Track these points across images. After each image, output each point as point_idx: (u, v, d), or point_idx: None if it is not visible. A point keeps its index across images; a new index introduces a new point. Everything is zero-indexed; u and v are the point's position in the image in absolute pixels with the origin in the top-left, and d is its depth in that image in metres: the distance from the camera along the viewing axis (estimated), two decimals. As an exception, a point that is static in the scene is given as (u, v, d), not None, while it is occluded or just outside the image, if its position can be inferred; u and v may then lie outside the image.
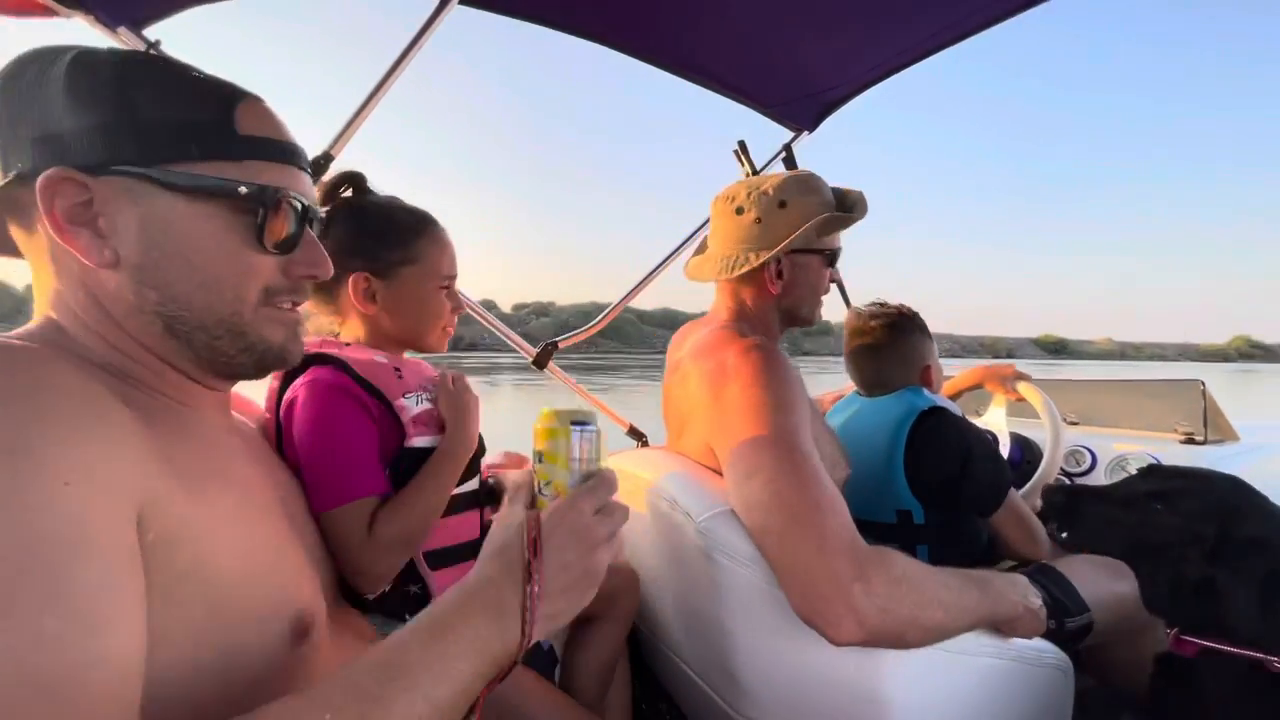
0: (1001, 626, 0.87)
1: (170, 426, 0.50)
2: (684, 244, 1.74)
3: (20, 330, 0.51)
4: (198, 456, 0.51)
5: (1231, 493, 0.87)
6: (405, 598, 0.85)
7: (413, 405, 0.86)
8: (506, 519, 0.55)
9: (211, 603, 0.46)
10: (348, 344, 0.90)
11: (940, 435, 1.14)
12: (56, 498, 0.36)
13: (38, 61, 0.49)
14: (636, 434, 1.72)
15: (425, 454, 0.85)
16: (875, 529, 1.08)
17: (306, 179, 0.59)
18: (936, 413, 1.16)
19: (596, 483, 0.56)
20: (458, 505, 0.90)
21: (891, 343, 1.31)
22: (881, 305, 1.39)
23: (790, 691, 0.88)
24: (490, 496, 0.99)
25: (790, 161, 1.81)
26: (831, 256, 1.11)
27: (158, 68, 0.53)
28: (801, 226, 1.02)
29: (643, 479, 1.05)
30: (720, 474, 1.00)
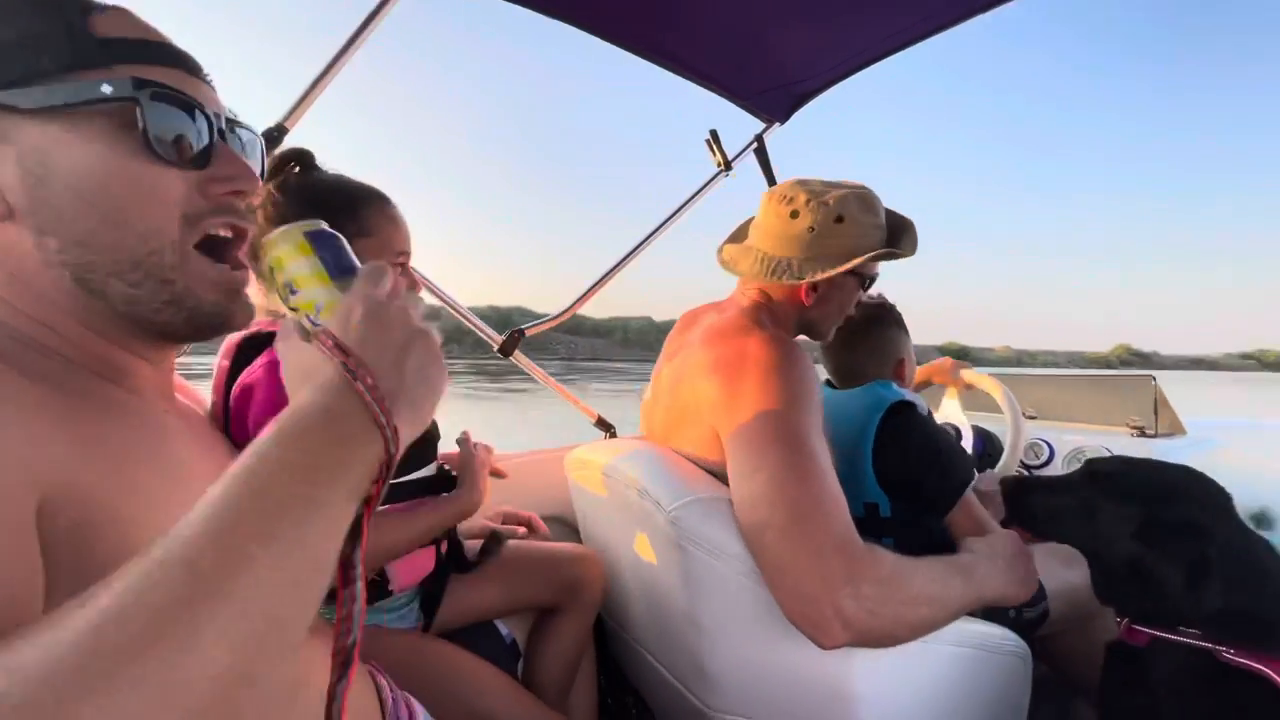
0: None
1: (95, 405, 0.45)
2: (650, 237, 1.72)
3: None
4: (125, 438, 0.46)
5: (1162, 477, 0.89)
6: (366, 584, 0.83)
7: None
8: (293, 361, 0.46)
9: None
10: None
11: (909, 430, 1.15)
12: None
13: None
14: (604, 425, 1.70)
15: None
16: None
17: (206, 88, 0.51)
18: (906, 407, 1.16)
19: (370, 269, 0.46)
20: (411, 492, 0.88)
21: (867, 334, 1.31)
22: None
23: (760, 683, 0.88)
24: (447, 483, 0.96)
25: (762, 153, 1.80)
26: (869, 282, 1.10)
27: None
28: (853, 249, 1.00)
29: (611, 469, 1.03)
30: (695, 463, 0.99)
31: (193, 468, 0.53)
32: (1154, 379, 1.60)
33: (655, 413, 1.15)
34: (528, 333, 1.54)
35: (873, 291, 1.37)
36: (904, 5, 1.35)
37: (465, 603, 1.01)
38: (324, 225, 0.50)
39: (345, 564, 0.37)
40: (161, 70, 0.48)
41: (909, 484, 1.13)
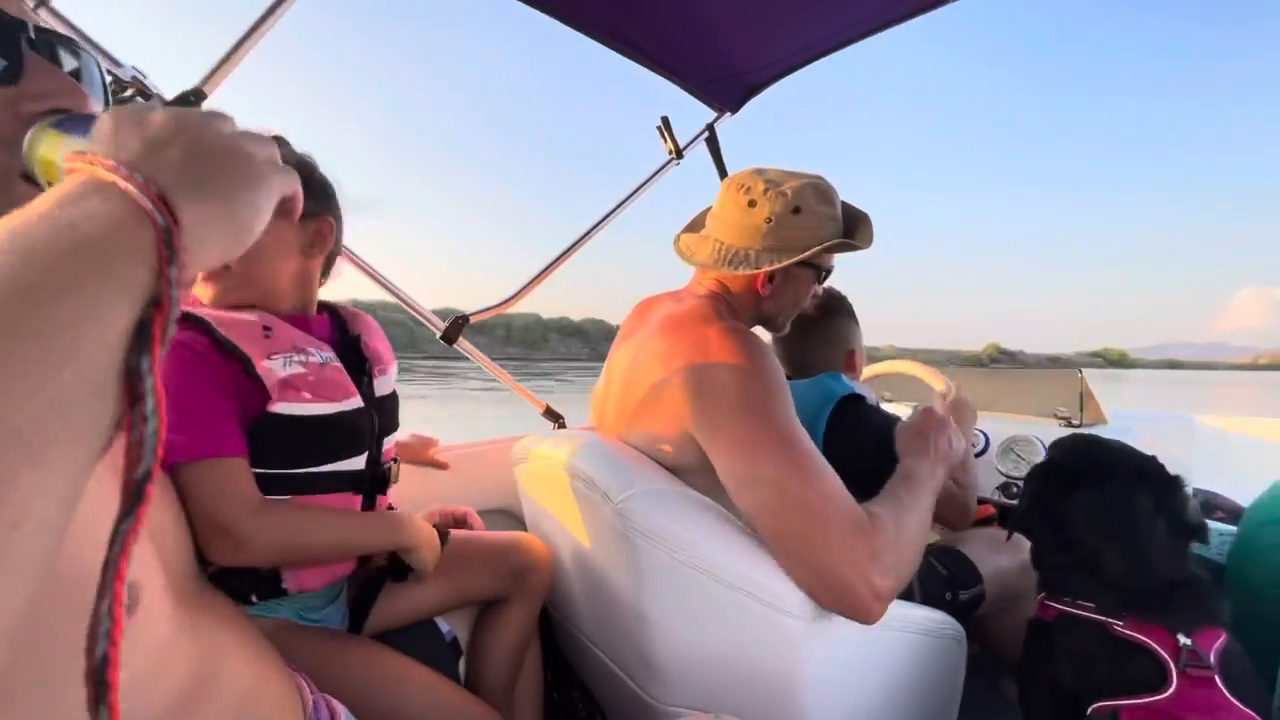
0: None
1: None
2: (600, 223, 1.69)
3: None
4: None
5: (1069, 450, 0.97)
6: (253, 576, 0.76)
7: (279, 368, 0.75)
8: None
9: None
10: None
11: (858, 423, 1.16)
12: None
13: None
14: (553, 415, 1.66)
15: (293, 422, 0.75)
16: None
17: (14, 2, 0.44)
18: (855, 400, 1.18)
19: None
20: (337, 484, 0.81)
21: (818, 324, 1.31)
22: None
23: (707, 674, 0.87)
24: (382, 483, 0.90)
25: (713, 142, 1.79)
26: (824, 274, 1.10)
27: None
28: (810, 240, 0.99)
29: (558, 459, 1.00)
30: (648, 454, 0.97)
31: None
32: (1080, 373, 1.68)
33: (607, 402, 1.12)
34: (472, 319, 1.49)
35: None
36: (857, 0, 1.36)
37: (406, 602, 0.96)
38: (77, 112, 0.43)
39: (130, 375, 0.29)
40: None
41: (861, 475, 1.15)
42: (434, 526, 1.04)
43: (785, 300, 1.08)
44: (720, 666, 0.85)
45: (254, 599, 0.77)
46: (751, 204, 1.01)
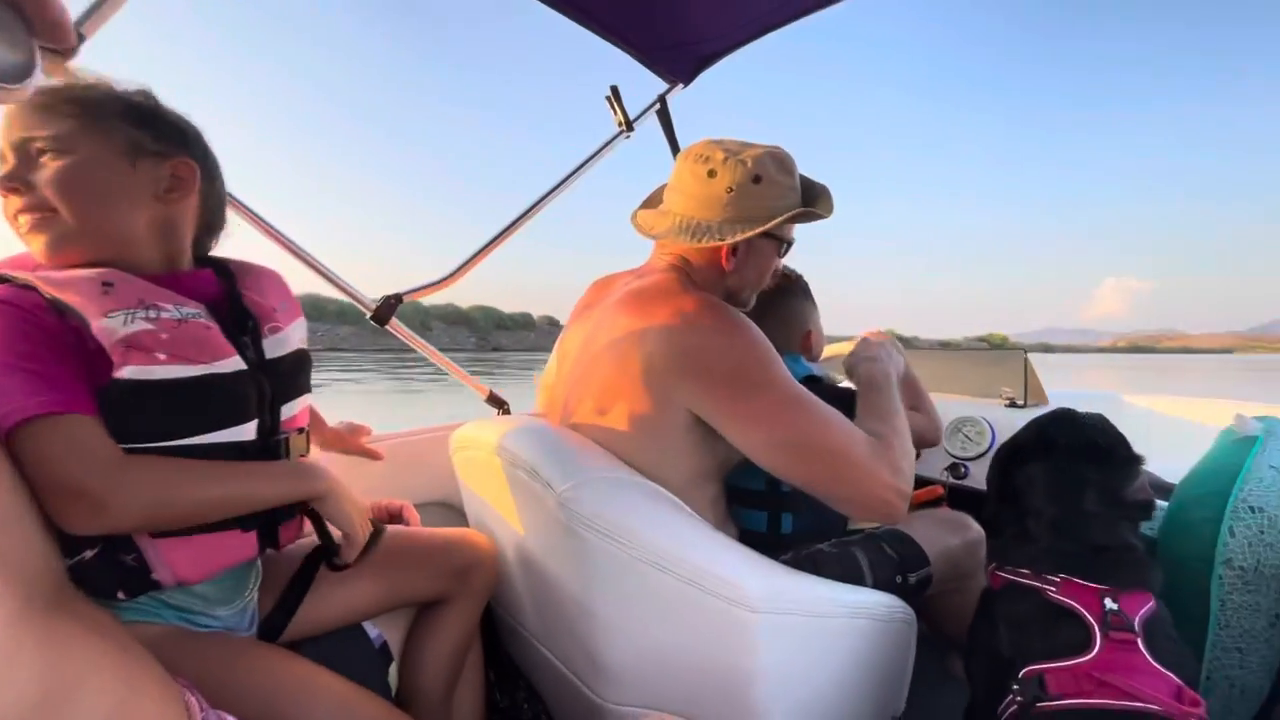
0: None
1: None
2: (545, 198, 1.61)
3: None
4: None
5: (1035, 426, 1.00)
6: (117, 568, 0.64)
7: (118, 325, 0.63)
8: None
9: None
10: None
11: None
12: None
13: None
14: (497, 401, 1.58)
15: (146, 388, 0.64)
16: (742, 494, 1.05)
17: None
18: (811, 381, 1.15)
19: None
20: (218, 456, 0.69)
21: (774, 305, 1.28)
22: None
23: (657, 671, 0.83)
24: (274, 454, 0.77)
25: (664, 114, 1.73)
26: (786, 247, 1.08)
27: None
28: (772, 210, 0.97)
29: (498, 447, 0.93)
30: (606, 437, 0.93)
31: None
32: (1024, 353, 1.72)
33: (558, 387, 1.06)
34: (405, 298, 1.38)
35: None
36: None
37: (334, 603, 0.87)
38: None
39: None
40: None
41: None
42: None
43: (749, 274, 1.05)
44: (670, 663, 0.81)
45: (121, 595, 0.65)
46: (711, 174, 0.97)
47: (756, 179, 0.96)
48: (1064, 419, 0.99)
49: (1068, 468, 0.90)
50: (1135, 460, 0.91)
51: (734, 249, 1.00)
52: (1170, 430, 1.86)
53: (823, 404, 0.87)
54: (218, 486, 0.67)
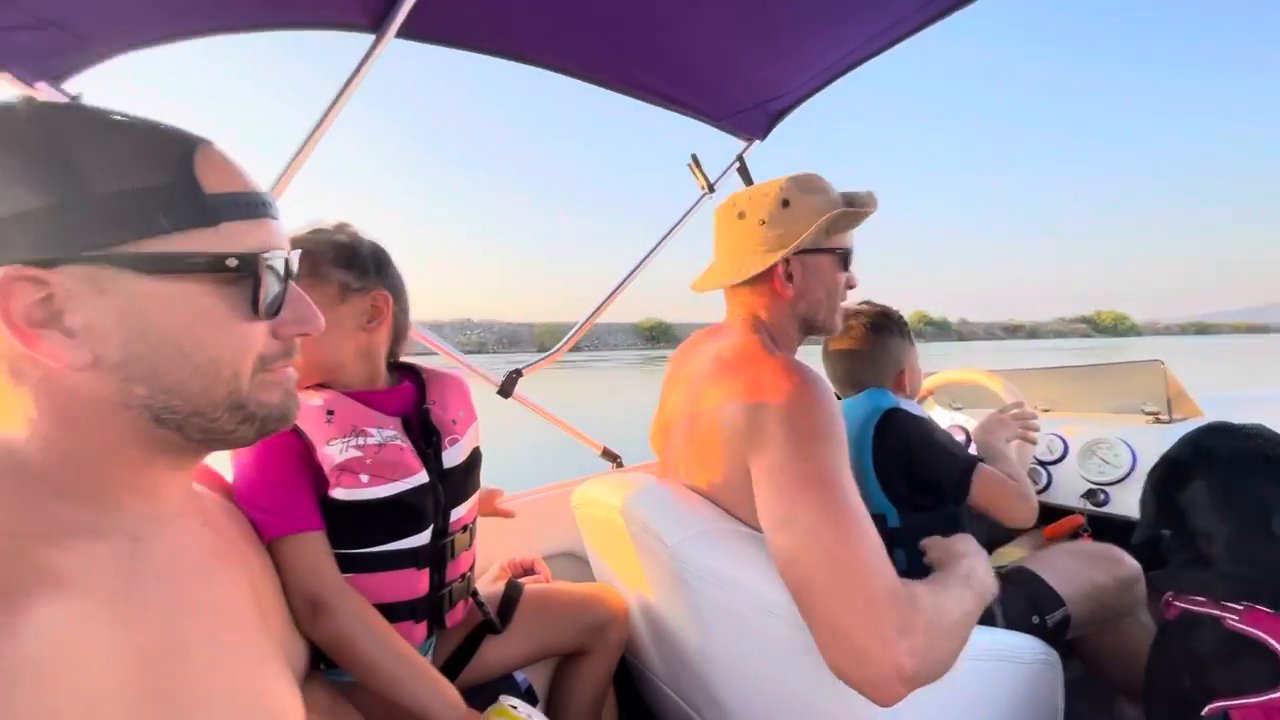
0: None
1: (126, 559, 0.45)
2: (637, 268, 1.73)
3: None
4: (159, 603, 0.45)
5: (1184, 443, 0.95)
6: (318, 650, 0.76)
7: (336, 453, 0.78)
8: None
9: None
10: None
11: (905, 433, 1.14)
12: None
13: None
14: (610, 455, 1.69)
15: (350, 507, 0.78)
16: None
17: (279, 227, 0.53)
18: (897, 413, 1.16)
19: None
20: (396, 562, 0.83)
21: (868, 344, 1.29)
22: (867, 304, 1.36)
23: (780, 715, 0.85)
24: (437, 554, 0.87)
25: (744, 172, 1.82)
26: (844, 256, 1.04)
27: (98, 123, 0.44)
28: (808, 225, 0.96)
29: (618, 506, 1.02)
30: (710, 497, 0.97)
31: (224, 601, 0.53)
32: (1162, 363, 1.57)
33: (667, 444, 1.12)
34: (525, 372, 1.54)
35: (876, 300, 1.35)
36: (870, 14, 1.37)
37: (490, 660, 0.98)
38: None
39: None
40: (256, 225, 0.49)
41: (913, 486, 1.12)
42: (508, 581, 1.07)
43: (814, 294, 1.02)
44: (793, 707, 0.84)
45: (322, 666, 0.80)
46: (741, 215, 1.02)
47: (785, 203, 0.99)
48: (1220, 430, 0.93)
49: (1237, 483, 0.85)
50: None
51: (788, 275, 1.01)
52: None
53: (862, 516, 0.75)
54: (393, 664, 0.76)
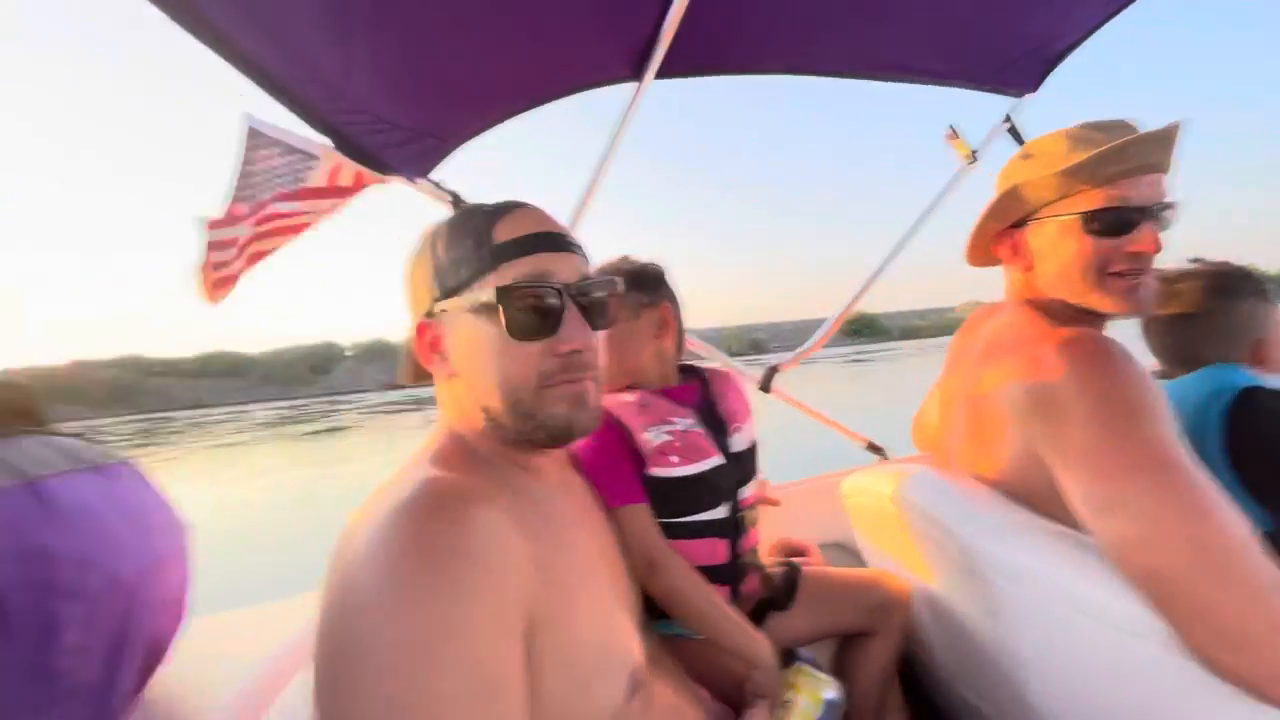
0: None
1: (527, 508, 0.62)
2: (897, 249, 1.66)
3: (438, 446, 0.66)
4: (548, 539, 0.61)
5: None
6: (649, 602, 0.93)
7: (653, 438, 0.95)
8: None
9: (574, 677, 0.57)
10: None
11: (1271, 413, 0.89)
12: (480, 647, 0.48)
13: (420, 240, 0.69)
14: (875, 449, 1.66)
15: (665, 482, 0.94)
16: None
17: (560, 258, 0.64)
18: (1259, 392, 0.91)
19: None
20: (704, 530, 0.97)
21: (1210, 310, 1.03)
22: (1197, 261, 1.09)
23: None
24: (735, 526, 1.01)
25: (1015, 132, 1.61)
26: (1089, 219, 0.83)
27: (452, 220, 0.67)
28: (1044, 181, 0.84)
29: (892, 495, 1.02)
30: (991, 485, 0.93)
31: (585, 546, 0.70)
32: None
33: (941, 429, 1.08)
34: (781, 368, 1.60)
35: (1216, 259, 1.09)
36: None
37: (774, 633, 1.04)
38: (835, 693, 0.86)
39: None
40: (526, 261, 0.62)
41: None
42: (783, 560, 1.14)
43: (1048, 270, 0.88)
44: (1117, 714, 0.75)
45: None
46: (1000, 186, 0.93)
47: (1026, 156, 0.88)
48: None
49: None
50: None
51: (1014, 248, 0.90)
52: None
53: (1211, 492, 0.66)
54: (719, 614, 0.92)
